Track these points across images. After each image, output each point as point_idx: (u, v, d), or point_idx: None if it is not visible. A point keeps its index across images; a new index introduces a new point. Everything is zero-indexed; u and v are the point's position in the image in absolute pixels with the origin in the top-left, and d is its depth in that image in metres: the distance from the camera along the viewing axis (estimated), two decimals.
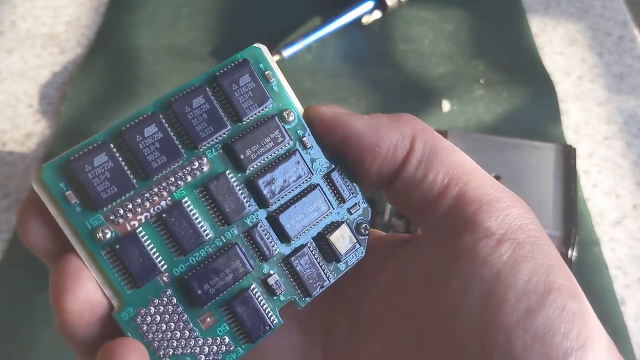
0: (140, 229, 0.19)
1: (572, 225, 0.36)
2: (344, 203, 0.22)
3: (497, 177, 0.38)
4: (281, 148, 0.21)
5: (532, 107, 0.54)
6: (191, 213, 0.19)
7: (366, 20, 0.59)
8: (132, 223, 0.19)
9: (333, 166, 0.22)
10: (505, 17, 0.63)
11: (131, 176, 0.19)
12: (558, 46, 0.60)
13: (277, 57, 0.56)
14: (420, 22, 0.61)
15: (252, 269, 0.20)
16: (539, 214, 0.36)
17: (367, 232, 0.22)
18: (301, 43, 0.57)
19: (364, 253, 0.21)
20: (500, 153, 0.39)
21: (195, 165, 0.20)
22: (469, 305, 0.16)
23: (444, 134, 0.40)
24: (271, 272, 0.20)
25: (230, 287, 0.19)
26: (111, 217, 0.19)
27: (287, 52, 0.56)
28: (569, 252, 0.35)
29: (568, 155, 0.39)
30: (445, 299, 0.17)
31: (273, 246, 0.20)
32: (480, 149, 0.39)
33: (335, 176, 0.22)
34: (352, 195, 0.22)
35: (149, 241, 0.19)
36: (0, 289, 0.42)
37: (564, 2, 0.65)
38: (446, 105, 0.54)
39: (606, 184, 0.50)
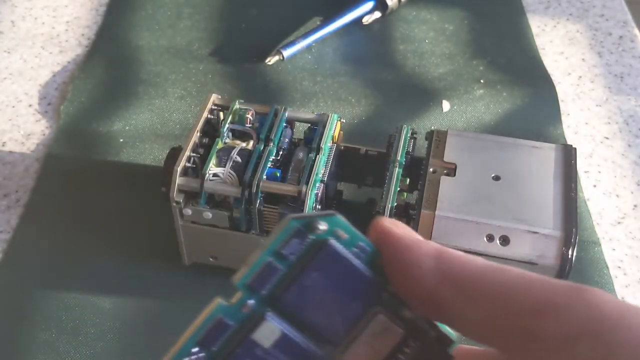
0: None
1: (572, 225, 0.36)
2: None
3: (497, 177, 0.38)
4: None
5: (532, 107, 0.54)
6: None
7: (366, 20, 0.59)
8: None
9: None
10: (505, 17, 0.62)
11: None
12: (558, 46, 0.60)
13: (277, 57, 0.56)
14: (420, 22, 0.61)
15: None
16: (539, 214, 0.36)
17: None
18: (301, 43, 0.57)
19: None
20: (500, 153, 0.39)
21: None
22: None
23: (444, 134, 0.40)
24: None
25: None
26: None
27: (287, 52, 0.56)
28: (569, 252, 0.35)
29: (568, 155, 0.39)
30: None
31: None
32: (480, 149, 0.39)
33: None
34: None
35: None
36: (0, 289, 0.42)
37: (564, 2, 0.65)
38: (446, 105, 0.54)
39: (606, 184, 0.50)
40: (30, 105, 0.54)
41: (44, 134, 0.52)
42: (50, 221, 0.46)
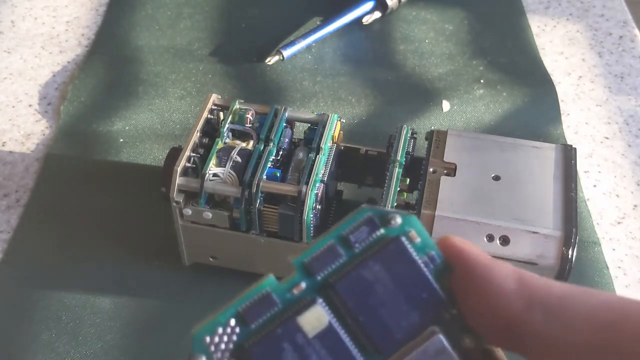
0: None
1: (572, 225, 0.36)
2: None
3: (497, 177, 0.38)
4: None
5: (532, 107, 0.54)
6: None
7: (366, 20, 0.59)
8: None
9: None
10: (505, 17, 0.62)
11: None
12: (558, 46, 0.60)
13: (277, 57, 0.56)
14: (420, 22, 0.61)
15: None
16: (539, 214, 0.36)
17: None
18: (301, 43, 0.57)
19: None
20: (500, 153, 0.39)
21: None
22: None
23: (444, 134, 0.40)
24: None
25: None
26: None
27: (287, 52, 0.56)
28: (570, 252, 0.35)
29: (568, 155, 0.39)
30: None
31: None
32: (480, 149, 0.39)
33: None
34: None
35: None
36: (0, 289, 0.42)
37: (564, 2, 0.65)
38: (446, 105, 0.54)
39: (606, 184, 0.50)
40: (30, 105, 0.54)
41: (44, 134, 0.52)
42: (50, 221, 0.46)
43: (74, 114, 0.53)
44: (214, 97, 0.41)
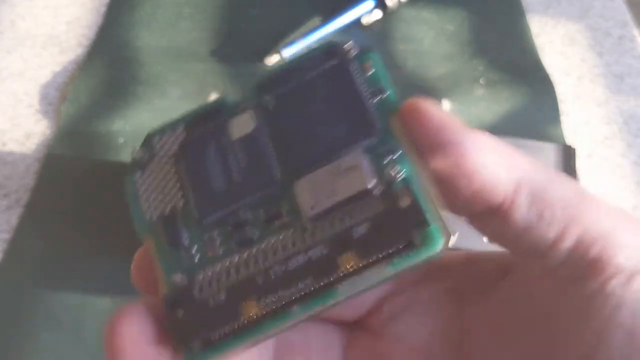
0: None
1: None
2: None
3: None
4: None
5: (532, 107, 0.54)
6: None
7: (366, 20, 0.59)
8: None
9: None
10: (505, 17, 0.62)
11: None
12: (558, 46, 0.60)
13: (276, 57, 0.56)
14: (420, 22, 0.61)
15: None
16: None
17: None
18: (301, 43, 0.57)
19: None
20: None
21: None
22: (610, 353, 0.15)
23: None
24: None
25: None
26: None
27: (287, 52, 0.56)
28: None
29: (568, 155, 0.39)
30: (581, 348, 0.16)
31: None
32: None
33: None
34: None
35: None
36: (0, 289, 0.42)
37: (564, 2, 0.65)
38: (446, 105, 0.54)
39: (606, 184, 0.50)
40: (30, 105, 0.54)
41: (44, 134, 0.52)
42: (50, 221, 0.46)
43: (74, 114, 0.53)
44: (214, 97, 0.41)
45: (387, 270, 0.15)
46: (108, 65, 0.57)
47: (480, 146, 0.16)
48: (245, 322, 0.15)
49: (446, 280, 0.20)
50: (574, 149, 0.40)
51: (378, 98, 0.17)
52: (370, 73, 0.17)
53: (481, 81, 0.56)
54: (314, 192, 0.16)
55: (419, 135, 0.16)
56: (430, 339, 0.19)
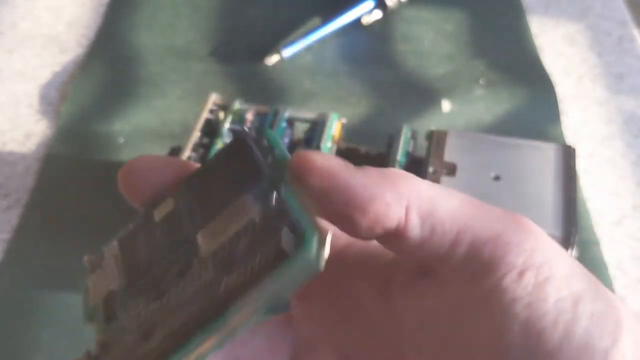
0: None
1: (572, 225, 0.36)
2: None
3: (497, 177, 0.38)
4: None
5: (532, 107, 0.54)
6: None
7: (366, 20, 0.59)
8: None
9: None
10: (505, 17, 0.63)
11: None
12: (558, 46, 0.60)
13: (277, 57, 0.56)
14: (420, 22, 0.61)
15: None
16: (539, 214, 0.36)
17: None
18: (301, 43, 0.57)
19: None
20: (500, 153, 0.39)
21: None
22: (510, 344, 0.17)
23: (444, 134, 0.40)
24: None
25: None
26: None
27: (287, 52, 0.56)
28: (569, 252, 0.35)
29: (568, 155, 0.39)
30: (483, 341, 0.17)
31: None
32: (480, 149, 0.39)
33: None
34: None
35: None
36: (0, 289, 0.42)
37: (564, 2, 0.65)
38: (446, 106, 0.54)
39: (606, 184, 0.50)
40: (30, 105, 0.54)
41: (44, 134, 0.52)
42: (50, 221, 0.46)
43: (74, 114, 0.53)
44: (214, 97, 0.41)
45: (269, 284, 0.16)
46: (108, 65, 0.57)
47: (365, 181, 0.19)
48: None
49: (377, 274, 0.22)
50: (574, 149, 0.40)
51: (269, 155, 0.19)
52: (264, 142, 0.19)
53: (481, 81, 0.56)
54: (212, 238, 0.18)
55: (308, 182, 0.18)
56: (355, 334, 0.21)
